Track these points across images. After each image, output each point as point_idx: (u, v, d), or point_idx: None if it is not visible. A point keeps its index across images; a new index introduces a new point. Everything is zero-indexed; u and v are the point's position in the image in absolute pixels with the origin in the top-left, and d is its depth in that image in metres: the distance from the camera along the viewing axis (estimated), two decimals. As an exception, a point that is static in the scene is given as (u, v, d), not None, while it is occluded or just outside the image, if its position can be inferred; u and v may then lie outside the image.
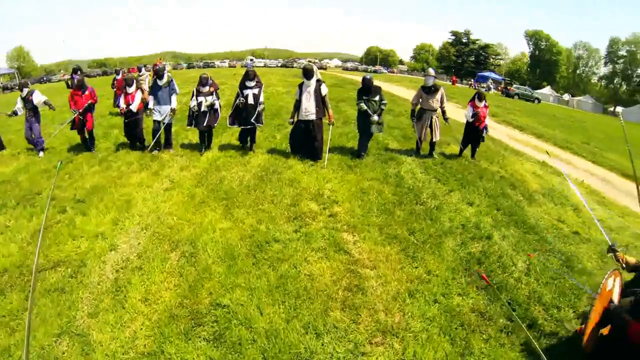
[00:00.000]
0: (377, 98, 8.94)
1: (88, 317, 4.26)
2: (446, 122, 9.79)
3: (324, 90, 8.70)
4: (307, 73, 8.56)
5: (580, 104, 58.11)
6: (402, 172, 8.50)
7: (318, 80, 8.64)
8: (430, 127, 9.60)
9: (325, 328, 4.04)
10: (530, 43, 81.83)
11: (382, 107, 9.01)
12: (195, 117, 9.21)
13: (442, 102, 9.59)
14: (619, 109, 60.62)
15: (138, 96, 9.60)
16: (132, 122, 9.67)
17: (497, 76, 64.11)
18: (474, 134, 9.93)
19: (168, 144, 9.82)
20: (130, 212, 6.53)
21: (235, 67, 66.51)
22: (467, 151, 10.29)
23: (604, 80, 74.98)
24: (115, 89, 15.02)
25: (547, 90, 63.37)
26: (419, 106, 9.71)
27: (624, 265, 3.47)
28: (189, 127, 9.65)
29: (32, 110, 9.93)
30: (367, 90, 8.99)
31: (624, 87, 70.97)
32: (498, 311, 4.39)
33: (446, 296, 4.63)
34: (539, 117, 24.99)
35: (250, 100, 8.98)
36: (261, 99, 9.15)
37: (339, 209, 6.60)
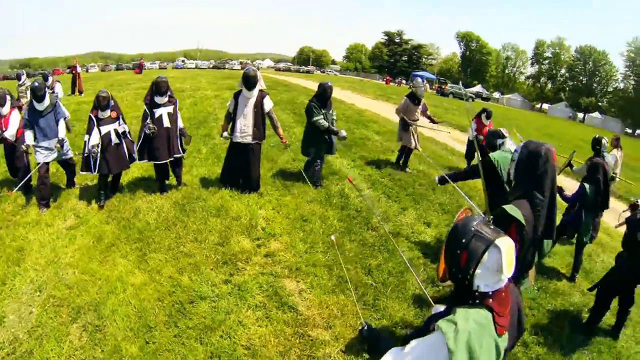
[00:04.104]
0: (331, 111, 7.37)
1: None
2: (436, 124, 9.85)
3: (268, 104, 6.68)
4: (249, 81, 6.43)
5: (510, 102, 60.88)
6: (346, 190, 7.49)
7: (261, 91, 6.68)
8: (416, 138, 9.10)
9: None
10: (462, 44, 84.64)
11: (334, 120, 7.44)
12: (99, 158, 6.43)
13: (426, 109, 9.42)
14: (545, 106, 64.00)
15: (14, 119, 7.01)
16: (11, 153, 7.19)
17: (430, 75, 65.29)
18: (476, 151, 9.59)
19: (71, 184, 7.43)
20: (22, 264, 5.08)
21: (166, 68, 63.79)
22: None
23: (531, 79, 79.18)
24: None
25: (478, 88, 65.66)
26: (402, 115, 9.00)
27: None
28: (85, 172, 6.59)
29: None
30: (325, 101, 7.25)
31: (549, 85, 75.40)
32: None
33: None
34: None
35: (166, 123, 6.65)
36: (180, 122, 6.92)
37: (277, 245, 5.53)
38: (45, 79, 12.15)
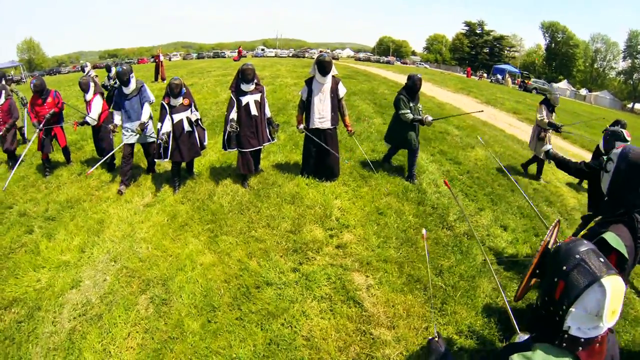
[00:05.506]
0: (419, 105, 7.18)
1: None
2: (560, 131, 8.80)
3: (342, 90, 6.68)
4: (325, 67, 6.33)
5: (598, 100, 56.17)
6: (424, 185, 7.23)
7: (334, 77, 6.54)
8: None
9: None
10: (546, 35, 78.96)
11: (420, 111, 7.15)
12: (172, 145, 6.53)
13: None
14: (638, 106, 58.58)
15: (97, 104, 7.44)
16: (97, 134, 7.72)
17: (513, 69, 61.67)
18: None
19: (151, 169, 7.66)
20: (101, 235, 5.47)
21: (245, 57, 65.25)
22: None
23: (622, 75, 71.53)
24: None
25: (563, 84, 61.43)
26: (548, 121, 8.47)
27: None
28: (157, 160, 6.92)
29: None
30: (414, 94, 7.12)
31: (644, 82, 67.86)
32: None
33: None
34: (561, 115, 23.54)
35: (253, 111, 6.48)
36: (267, 111, 6.81)
37: (349, 236, 5.41)
38: (109, 70, 12.64)
